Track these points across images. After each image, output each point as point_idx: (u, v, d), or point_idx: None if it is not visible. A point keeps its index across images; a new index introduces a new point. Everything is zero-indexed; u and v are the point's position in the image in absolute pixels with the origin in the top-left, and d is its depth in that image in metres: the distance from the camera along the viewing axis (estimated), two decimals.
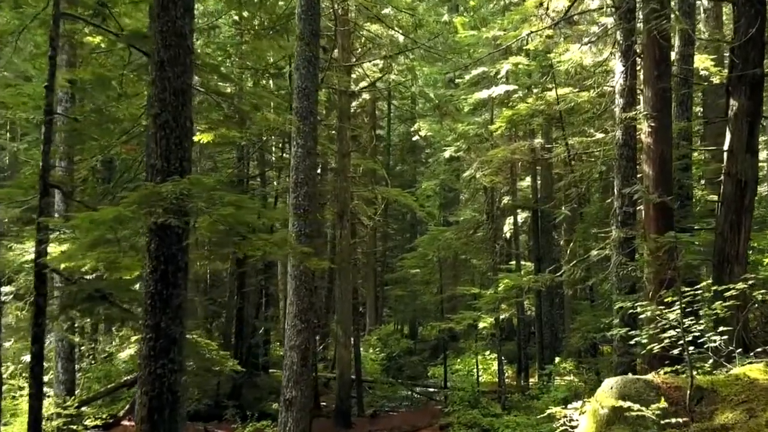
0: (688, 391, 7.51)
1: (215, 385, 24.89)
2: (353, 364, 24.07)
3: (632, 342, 9.58)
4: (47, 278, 8.14)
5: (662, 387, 8.19)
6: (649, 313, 8.86)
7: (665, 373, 8.96)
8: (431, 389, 28.52)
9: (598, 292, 18.06)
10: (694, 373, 7.84)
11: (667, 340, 8.82)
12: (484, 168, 23.54)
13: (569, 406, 9.49)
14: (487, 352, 28.99)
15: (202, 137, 10.32)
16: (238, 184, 25.94)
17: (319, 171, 27.25)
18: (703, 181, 21.13)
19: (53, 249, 8.44)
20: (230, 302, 27.49)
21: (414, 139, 32.27)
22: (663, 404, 7.99)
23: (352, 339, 23.78)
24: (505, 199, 27.86)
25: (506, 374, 29.63)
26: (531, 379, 26.42)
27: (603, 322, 16.40)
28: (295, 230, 13.90)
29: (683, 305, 8.00)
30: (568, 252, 20.42)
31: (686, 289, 7.99)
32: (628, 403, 8.14)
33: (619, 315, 11.87)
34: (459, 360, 29.67)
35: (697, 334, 8.52)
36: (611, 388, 8.41)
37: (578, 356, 23.79)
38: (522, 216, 30.11)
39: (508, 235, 30.47)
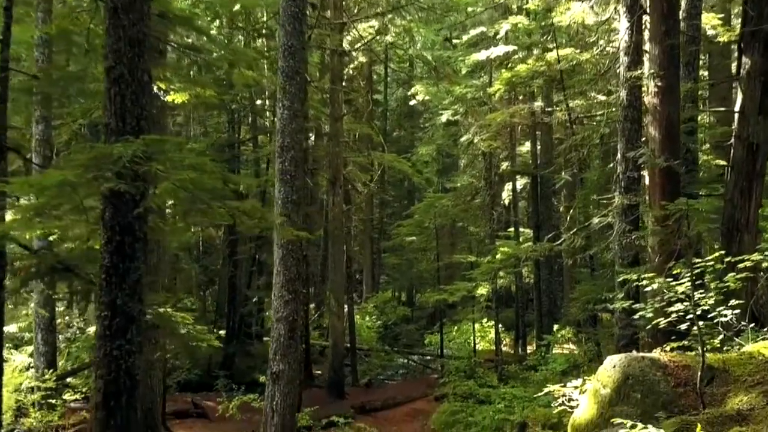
0: (699, 372, 6.88)
1: (207, 355, 24.43)
2: (347, 334, 23.57)
3: (636, 316, 8.96)
4: (5, 249, 7.49)
5: (669, 366, 7.57)
6: (655, 286, 8.21)
7: (671, 349, 8.35)
8: (428, 357, 28.09)
9: (599, 261, 17.43)
10: (705, 350, 7.20)
11: (674, 315, 8.21)
12: (483, 132, 22.80)
13: (568, 384, 8.90)
14: (485, 320, 28.44)
15: (175, 97, 9.59)
16: (229, 149, 25.22)
17: (312, 136, 26.54)
18: (707, 146, 20.41)
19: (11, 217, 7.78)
20: (223, 270, 26.92)
21: (412, 103, 31.41)
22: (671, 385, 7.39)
23: (345, 308, 23.23)
24: (504, 165, 27.16)
25: (504, 342, 29.22)
26: (529, 347, 25.95)
27: (604, 293, 15.82)
28: (282, 197, 13.22)
29: (693, 277, 7.34)
30: (568, 219, 19.77)
31: (697, 260, 7.34)
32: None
33: (621, 287, 11.25)
34: (456, 328, 29.09)
35: (706, 307, 7.90)
36: (614, 366, 7.79)
37: (577, 325, 23.30)
38: (521, 182, 29.43)
39: (506, 201, 29.81)
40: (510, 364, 21.04)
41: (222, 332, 26.12)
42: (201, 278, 30.15)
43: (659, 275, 10.41)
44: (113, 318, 5.93)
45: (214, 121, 27.24)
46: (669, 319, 8.18)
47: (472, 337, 24.20)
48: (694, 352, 7.82)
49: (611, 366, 7.81)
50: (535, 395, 16.18)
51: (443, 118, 24.07)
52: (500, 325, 27.32)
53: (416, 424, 17.61)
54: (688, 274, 7.55)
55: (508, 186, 28.07)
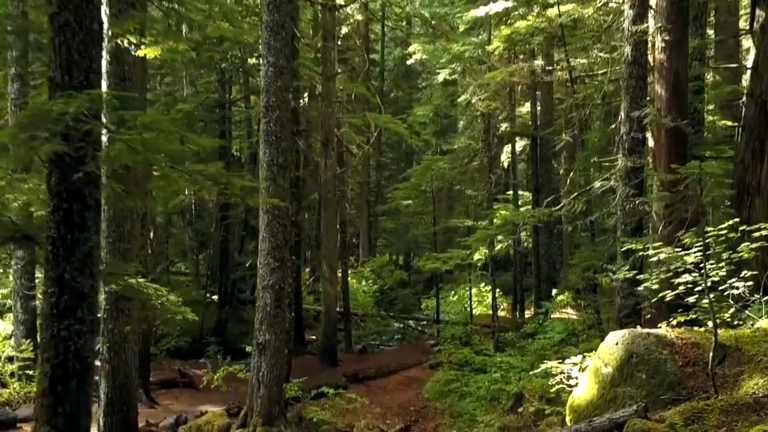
0: (711, 352, 6.28)
1: (198, 320, 23.95)
2: (341, 300, 23.06)
3: (641, 288, 8.35)
4: None
5: (677, 344, 7.00)
6: (663, 256, 7.60)
7: (678, 324, 7.77)
8: (424, 322, 27.65)
9: (600, 226, 16.80)
10: (717, 327, 6.60)
11: (682, 287, 7.61)
12: (481, 92, 22.02)
13: (567, 360, 8.35)
14: (483, 284, 27.92)
15: (146, 52, 8.86)
16: (220, 109, 24.42)
17: (306, 97, 25.74)
18: (711, 106, 19.66)
19: None
20: (215, 234, 26.31)
21: (409, 63, 30.50)
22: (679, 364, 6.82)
23: (339, 273, 22.68)
24: (503, 126, 26.42)
25: (502, 306, 28.73)
26: (527, 312, 25.48)
27: (605, 260, 15.23)
28: (267, 159, 12.54)
29: (706, 247, 6.72)
30: (568, 182, 19.11)
31: (710, 228, 6.71)
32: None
33: (625, 257, 10.63)
34: (453, 292, 28.62)
35: (716, 279, 7.31)
36: (617, 343, 7.22)
37: (576, 292, 22.79)
38: (520, 144, 28.70)
39: (505, 164, 29.11)
40: (507, 331, 20.55)
41: (216, 297, 25.68)
42: (194, 242, 29.62)
43: (665, 243, 9.81)
44: (61, 295, 5.31)
45: (204, 80, 26.35)
46: (676, 291, 7.60)
47: (468, 303, 23.63)
48: (703, 328, 7.23)
49: (613, 343, 7.24)
50: (532, 365, 15.75)
51: (440, 78, 23.21)
52: (498, 290, 26.81)
53: (410, 392, 17.15)
54: (699, 244, 6.94)
55: (507, 148, 27.34)
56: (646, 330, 7.21)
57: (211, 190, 5.85)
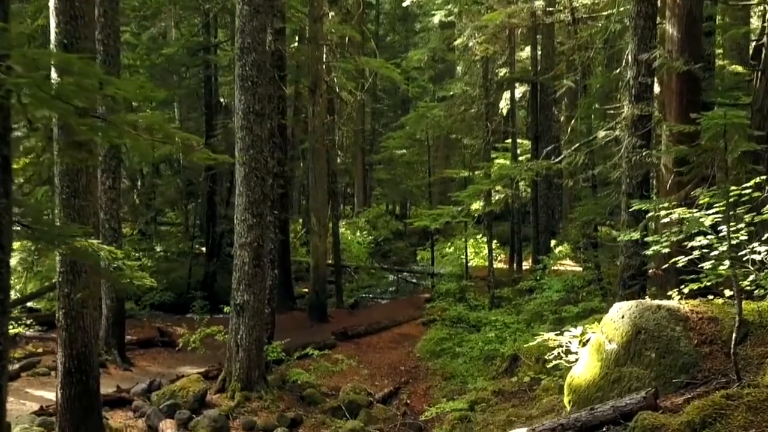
0: (734, 332, 5.43)
1: (186, 273, 23.20)
2: (331, 254, 22.27)
3: (649, 252, 7.47)
4: None
5: (691, 318, 6.15)
6: (675, 216, 6.72)
7: (691, 293, 6.92)
8: (418, 275, 26.95)
9: (602, 178, 15.85)
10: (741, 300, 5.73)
11: (696, 252, 6.75)
12: (478, 35, 20.82)
13: (566, 333, 7.52)
14: (479, 235, 27.13)
15: None
16: (204, 52, 23.20)
17: (296, 40, 24.53)
18: (720, 51, 18.56)
19: None
20: (203, 184, 25.35)
21: (405, 4, 29.09)
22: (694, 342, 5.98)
23: (329, 226, 21.83)
24: (502, 72, 25.23)
25: (499, 257, 27.98)
26: (525, 263, 24.73)
27: (606, 214, 14.39)
28: (242, 106, 11.57)
29: (728, 207, 5.81)
30: (569, 131, 18.11)
31: (734, 187, 5.81)
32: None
33: (630, 215, 9.77)
34: (450, 243, 27.82)
35: (733, 242, 6.44)
36: (622, 317, 6.37)
37: (576, 246, 22.00)
38: (520, 90, 27.54)
39: (504, 111, 28.04)
40: (504, 285, 19.77)
41: (205, 249, 24.88)
42: (182, 192, 28.63)
43: (674, 200, 8.92)
44: None
45: (190, 22, 25.05)
46: (691, 256, 6.74)
47: (464, 257, 22.83)
48: (721, 300, 6.38)
49: (619, 316, 6.40)
50: (528, 324, 15.02)
51: (436, 20, 22.04)
52: (495, 241, 26.04)
53: (401, 351, 16.47)
54: (718, 204, 6.05)
55: (506, 95, 26.23)
56: (656, 302, 6.36)
57: (146, 144, 4.95)
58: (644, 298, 10.81)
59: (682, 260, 6.82)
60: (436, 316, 17.37)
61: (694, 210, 6.61)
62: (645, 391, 5.51)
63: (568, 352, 7.11)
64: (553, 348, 7.27)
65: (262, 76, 11.59)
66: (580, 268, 21.13)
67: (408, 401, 13.17)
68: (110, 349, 13.80)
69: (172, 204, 31.14)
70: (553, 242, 25.42)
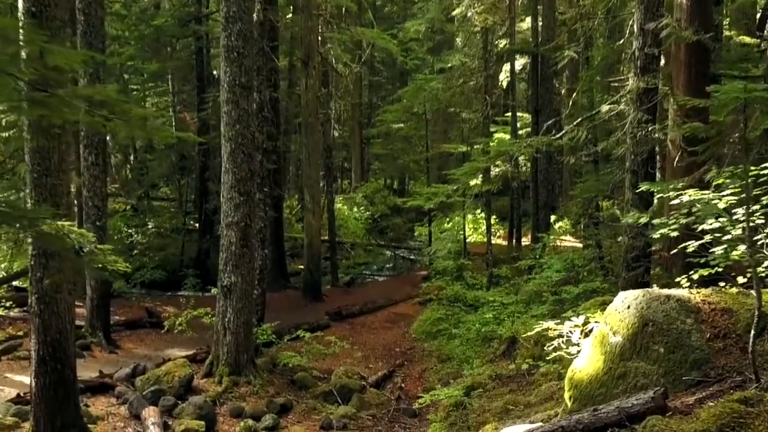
0: (752, 329, 4.95)
1: (179, 250, 22.75)
2: (327, 230, 21.79)
3: (656, 235, 6.99)
4: None
5: (703, 310, 5.67)
6: (687, 198, 6.23)
7: (701, 280, 6.44)
8: (415, 251, 26.50)
9: (605, 153, 15.30)
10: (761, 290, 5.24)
11: (708, 236, 6.27)
12: (478, 5, 20.19)
13: (567, 322, 7.05)
14: (478, 210, 26.63)
15: None
16: (196, 22, 22.49)
17: (291, 11, 23.80)
18: (727, 21, 17.93)
19: None
20: (197, 158, 24.78)
21: None
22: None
23: (324, 202, 21.32)
24: (502, 43, 24.54)
25: (498, 233, 27.50)
26: (524, 239, 24.24)
27: (608, 191, 13.89)
28: (228, 79, 11.01)
29: (748, 188, 5.30)
30: (570, 104, 17.52)
31: (753, 168, 5.31)
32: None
33: (637, 196, 9.28)
34: (448, 219, 27.33)
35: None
36: (628, 307, 5.89)
37: (577, 222, 21.52)
38: (520, 62, 26.90)
39: (504, 84, 27.37)
40: (502, 264, 19.28)
41: (198, 225, 24.39)
42: (176, 166, 28.04)
43: (688, 181, 8.42)
44: None
45: None
46: (702, 241, 6.27)
47: (462, 235, 22.34)
48: (735, 289, 5.90)
49: (624, 306, 5.92)
50: (527, 304, 14.58)
51: None
52: (494, 216, 25.56)
53: (396, 331, 16.06)
54: (734, 185, 5.56)
55: (506, 67, 25.56)
56: (665, 292, 5.87)
57: (98, 121, 4.44)
58: (647, 281, 10.37)
59: (692, 245, 6.35)
60: (433, 296, 16.93)
61: (707, 191, 6.12)
62: (653, 390, 5.05)
63: (569, 342, 6.64)
64: (553, 338, 6.80)
65: (248, 47, 11.02)
66: (581, 245, 20.68)
67: (402, 385, 12.76)
68: (95, 331, 13.37)
69: (167, 178, 30.60)
70: (553, 217, 24.92)
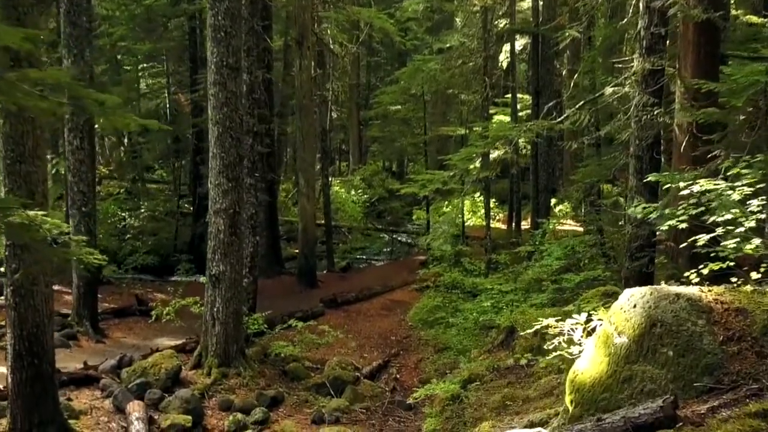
0: None
1: (172, 234, 22.34)
2: (323, 216, 21.36)
3: (664, 227, 6.58)
4: None
5: (716, 310, 5.26)
6: (697, 188, 5.83)
7: (711, 275, 6.05)
8: (413, 235, 26.08)
9: (607, 136, 14.84)
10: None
11: (720, 229, 5.89)
12: None
13: (568, 320, 6.64)
14: (477, 193, 26.17)
15: None
16: (189, 2, 21.92)
17: None
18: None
19: None
20: (191, 141, 24.31)
21: None
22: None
23: (318, 186, 20.86)
24: (502, 22, 24.00)
25: (497, 216, 27.10)
26: (524, 222, 23.86)
27: (611, 175, 13.48)
28: (215, 60, 10.56)
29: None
30: (572, 85, 17.03)
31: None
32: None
33: (643, 186, 8.88)
34: (447, 202, 26.91)
35: (762, 215, 5.60)
36: (634, 306, 5.49)
37: (578, 204, 21.13)
38: (520, 42, 26.38)
39: (504, 65, 26.85)
40: (501, 249, 18.86)
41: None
42: (170, 148, 27.52)
43: (689, 165, 8.04)
44: None
45: None
46: (714, 233, 5.89)
47: (461, 219, 21.93)
48: (750, 287, 5.49)
49: (630, 305, 5.52)
50: (527, 290, 14.21)
51: None
52: (494, 199, 25.14)
53: (392, 319, 15.70)
54: (751, 176, 5.15)
55: (506, 47, 25.04)
56: (674, 289, 5.46)
57: (48, 107, 4.02)
58: (652, 271, 9.97)
59: (702, 238, 5.97)
60: (430, 283, 16.54)
61: (719, 181, 5.73)
62: (662, 399, 4.66)
63: (570, 342, 6.25)
64: (554, 335, 6.41)
65: (236, 26, 10.56)
66: (581, 229, 20.28)
67: (398, 376, 12.43)
68: (81, 320, 12.99)
69: (162, 160, 30.10)
70: (553, 200, 24.52)
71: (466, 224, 22.84)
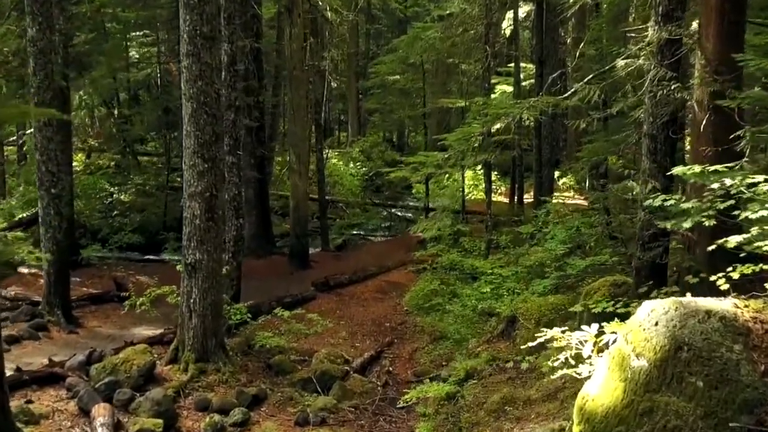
0: None
1: (161, 210, 21.47)
2: (318, 190, 20.45)
3: (686, 225, 5.70)
4: None
5: (755, 330, 4.41)
6: (729, 182, 4.96)
7: (743, 279, 5.19)
8: (413, 210, 25.23)
9: (616, 109, 13.85)
10: None
11: (755, 229, 5.05)
12: None
13: (576, 333, 5.77)
14: (479, 167, 25.24)
15: None
16: None
17: None
18: None
19: None
20: (181, 113, 23.28)
21: None
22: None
23: (311, 161, 19.88)
24: None
25: (499, 190, 26.21)
26: (526, 196, 22.98)
27: (620, 151, 12.57)
28: (188, 28, 9.62)
29: None
30: (577, 55, 16.01)
31: None
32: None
33: (649, 157, 8.00)
34: (447, 175, 25.98)
35: None
36: (656, 324, 4.61)
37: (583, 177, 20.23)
38: (524, 9, 25.30)
39: (507, 33, 25.79)
40: (503, 226, 17.97)
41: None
42: (161, 120, 26.53)
43: (706, 145, 7.16)
44: None
45: None
46: (746, 234, 5.05)
47: (461, 192, 21.05)
48: None
49: (650, 322, 4.66)
50: (528, 273, 13.40)
51: None
52: (495, 172, 24.26)
53: (387, 303, 14.91)
54: None
55: (509, 14, 23.97)
56: (704, 305, 4.59)
57: None
58: (666, 262, 9.09)
59: (733, 241, 5.12)
60: (427, 264, 15.68)
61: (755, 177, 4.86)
62: None
63: (578, 359, 5.40)
64: (560, 348, 5.56)
65: None
66: (586, 202, 19.37)
67: (390, 368, 11.66)
68: (52, 309, 12.15)
69: (155, 132, 29.11)
70: (557, 173, 23.61)
71: (467, 198, 21.97)
